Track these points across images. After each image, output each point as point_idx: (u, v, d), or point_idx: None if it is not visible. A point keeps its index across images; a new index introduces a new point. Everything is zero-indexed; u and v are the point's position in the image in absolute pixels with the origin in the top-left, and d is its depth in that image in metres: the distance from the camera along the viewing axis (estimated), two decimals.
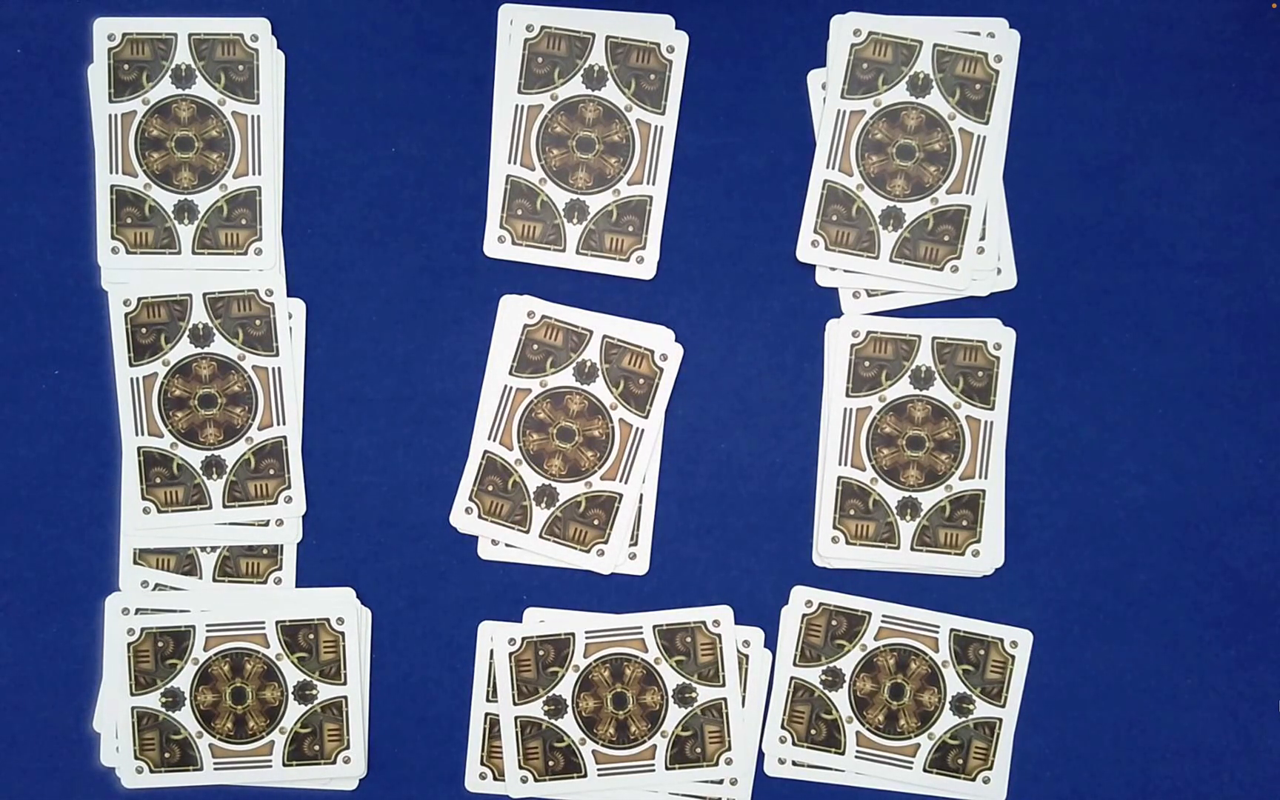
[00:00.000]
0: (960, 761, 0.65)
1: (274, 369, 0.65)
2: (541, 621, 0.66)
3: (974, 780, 0.65)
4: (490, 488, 0.66)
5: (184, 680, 0.64)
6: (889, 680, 0.65)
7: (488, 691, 0.65)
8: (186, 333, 0.65)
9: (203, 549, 0.65)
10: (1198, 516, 0.66)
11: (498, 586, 0.66)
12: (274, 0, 0.67)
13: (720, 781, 0.65)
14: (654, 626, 0.65)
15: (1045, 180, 0.67)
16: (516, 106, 0.66)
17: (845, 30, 0.66)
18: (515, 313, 0.66)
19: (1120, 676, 0.66)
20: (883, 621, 0.65)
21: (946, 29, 0.66)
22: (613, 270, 0.66)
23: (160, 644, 0.64)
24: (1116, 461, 0.66)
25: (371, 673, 0.66)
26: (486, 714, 0.65)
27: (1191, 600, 0.66)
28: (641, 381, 0.66)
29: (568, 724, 0.65)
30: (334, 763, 0.65)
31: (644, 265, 0.66)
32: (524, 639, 0.65)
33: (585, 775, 0.65)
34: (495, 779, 0.65)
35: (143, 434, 0.65)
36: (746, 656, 0.65)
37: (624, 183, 0.66)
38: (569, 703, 0.65)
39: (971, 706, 0.65)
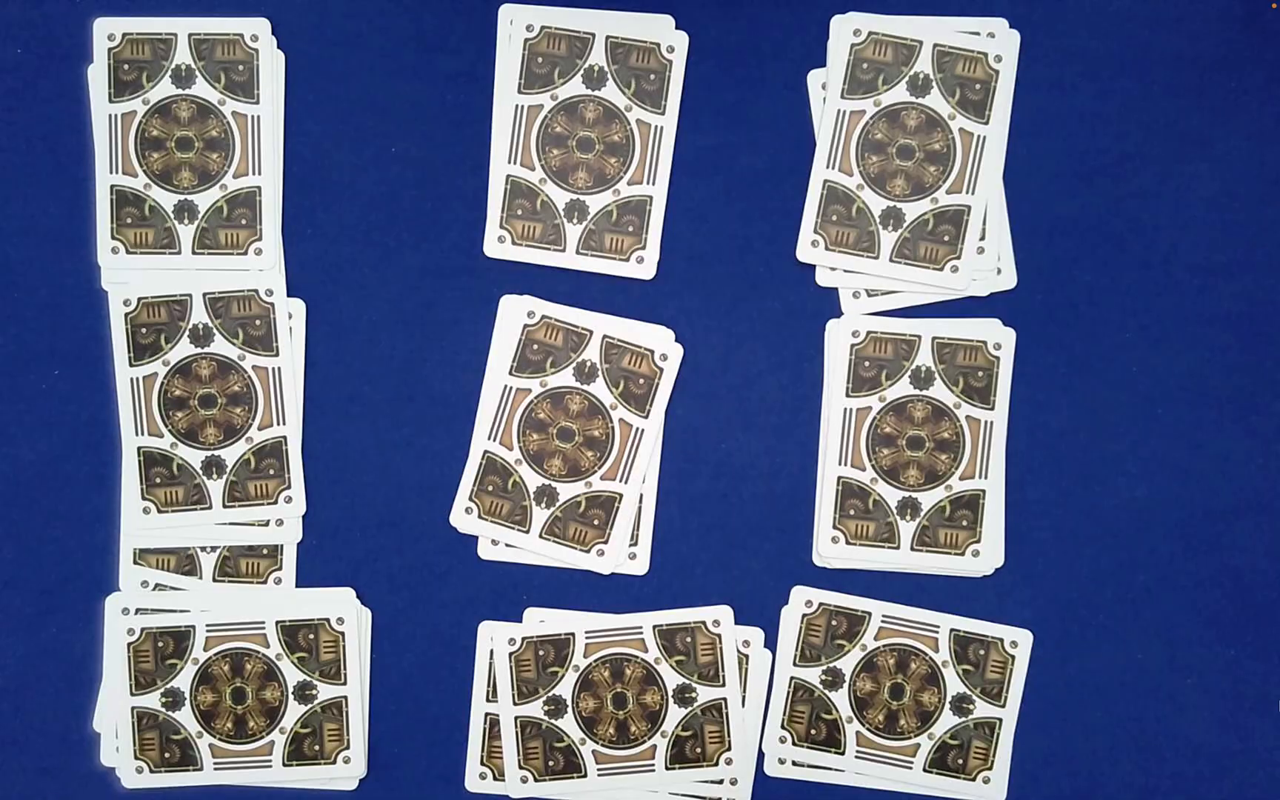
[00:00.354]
0: (960, 761, 0.65)
1: (274, 369, 0.65)
2: (541, 621, 0.66)
3: (974, 780, 0.65)
4: (490, 488, 0.65)
5: (184, 680, 0.64)
6: (889, 680, 0.65)
7: (488, 691, 0.65)
8: (186, 333, 0.65)
9: (203, 549, 0.65)
10: (1198, 516, 0.66)
11: (498, 586, 0.66)
12: (274, 0, 0.67)
13: (720, 781, 0.65)
14: (654, 626, 0.65)
15: (1045, 180, 0.67)
16: (516, 106, 0.66)
17: (845, 30, 0.66)
18: (515, 313, 0.66)
19: (1120, 676, 0.66)
20: (883, 621, 0.65)
21: (946, 29, 0.66)
22: (613, 270, 0.66)
23: (160, 644, 0.64)
24: (1116, 461, 0.66)
25: (371, 673, 0.66)
26: (486, 714, 0.65)
27: (1191, 600, 0.66)
28: (641, 381, 0.66)
29: (568, 724, 0.65)
30: (334, 763, 0.65)
31: (644, 265, 0.66)
32: (524, 639, 0.65)
33: (585, 775, 0.65)
34: (495, 779, 0.65)
35: (143, 434, 0.65)
36: (746, 656, 0.65)
37: (624, 183, 0.66)
38: (569, 703, 0.65)
39: (971, 706, 0.65)
